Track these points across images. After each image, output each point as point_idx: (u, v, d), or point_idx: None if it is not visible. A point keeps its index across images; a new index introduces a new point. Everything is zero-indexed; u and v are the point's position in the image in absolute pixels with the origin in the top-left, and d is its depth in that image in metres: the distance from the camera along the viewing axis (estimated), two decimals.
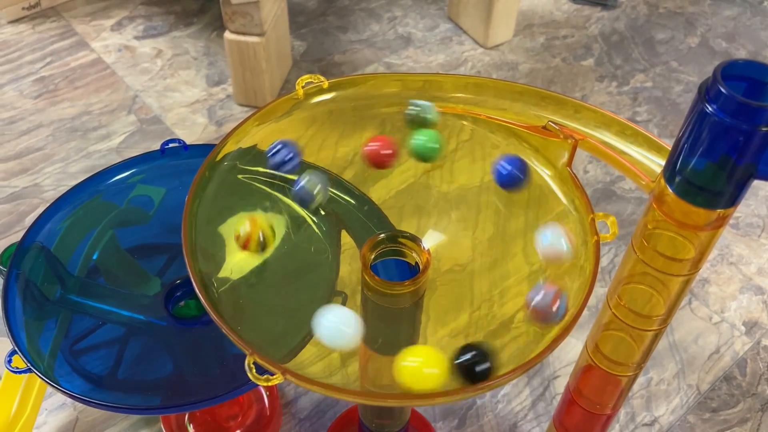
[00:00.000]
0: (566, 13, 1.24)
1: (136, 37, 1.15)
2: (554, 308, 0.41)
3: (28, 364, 0.52)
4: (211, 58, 1.12)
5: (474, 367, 0.39)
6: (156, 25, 1.17)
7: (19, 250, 0.60)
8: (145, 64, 1.10)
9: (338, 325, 0.39)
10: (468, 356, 0.39)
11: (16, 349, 0.52)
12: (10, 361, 0.51)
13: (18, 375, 0.64)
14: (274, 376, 0.37)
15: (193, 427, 0.70)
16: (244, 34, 0.95)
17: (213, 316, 0.39)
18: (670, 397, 0.76)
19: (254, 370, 0.37)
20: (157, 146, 0.68)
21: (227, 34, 0.96)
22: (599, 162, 0.99)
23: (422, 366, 0.39)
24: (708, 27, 1.23)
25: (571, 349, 0.79)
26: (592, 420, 0.58)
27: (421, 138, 0.50)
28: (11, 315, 0.56)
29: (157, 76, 1.08)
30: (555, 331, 0.42)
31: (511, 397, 0.75)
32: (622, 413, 0.75)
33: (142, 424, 0.72)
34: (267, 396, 0.72)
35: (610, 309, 0.49)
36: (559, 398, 0.75)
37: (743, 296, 0.85)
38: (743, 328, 0.82)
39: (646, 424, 0.74)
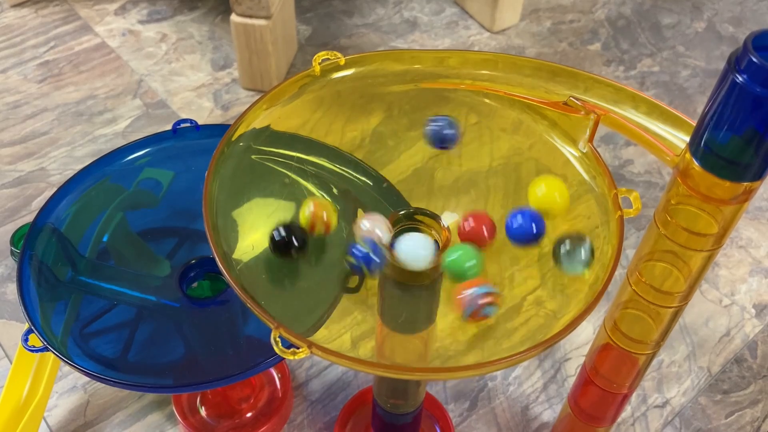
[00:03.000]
0: None
1: (140, 21, 1.14)
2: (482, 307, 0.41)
3: (44, 342, 0.51)
4: (215, 43, 1.11)
5: None
6: (160, 9, 1.16)
7: (32, 231, 0.60)
8: (150, 48, 1.09)
9: (415, 248, 0.41)
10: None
11: (32, 327, 0.52)
12: (26, 340, 0.51)
13: (29, 357, 0.64)
14: (300, 350, 0.37)
15: (205, 410, 0.70)
16: (250, 17, 0.94)
17: (238, 291, 0.39)
18: (682, 379, 0.76)
19: (280, 344, 0.37)
20: (162, 130, 0.67)
21: (234, 17, 0.95)
22: (608, 145, 0.99)
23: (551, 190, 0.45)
24: (715, 11, 1.22)
25: (582, 332, 0.79)
26: (607, 399, 0.58)
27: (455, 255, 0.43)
28: (26, 296, 0.55)
29: (162, 60, 1.08)
30: (572, 312, 0.42)
31: (522, 379, 0.75)
32: (634, 395, 0.75)
33: (153, 407, 0.72)
34: (279, 378, 0.72)
35: (631, 286, 0.49)
36: (570, 380, 0.75)
37: (753, 279, 0.85)
38: (753, 311, 0.82)
39: (657, 406, 0.74)
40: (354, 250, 0.42)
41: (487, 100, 0.52)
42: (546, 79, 0.51)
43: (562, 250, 0.43)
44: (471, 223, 0.45)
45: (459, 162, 0.54)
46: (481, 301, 0.41)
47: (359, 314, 0.47)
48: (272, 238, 0.45)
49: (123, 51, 1.09)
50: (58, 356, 0.51)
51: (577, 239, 0.44)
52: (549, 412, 0.73)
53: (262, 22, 0.95)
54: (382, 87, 0.54)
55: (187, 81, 1.05)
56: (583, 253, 0.43)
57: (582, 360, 0.77)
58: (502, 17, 1.14)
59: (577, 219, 0.48)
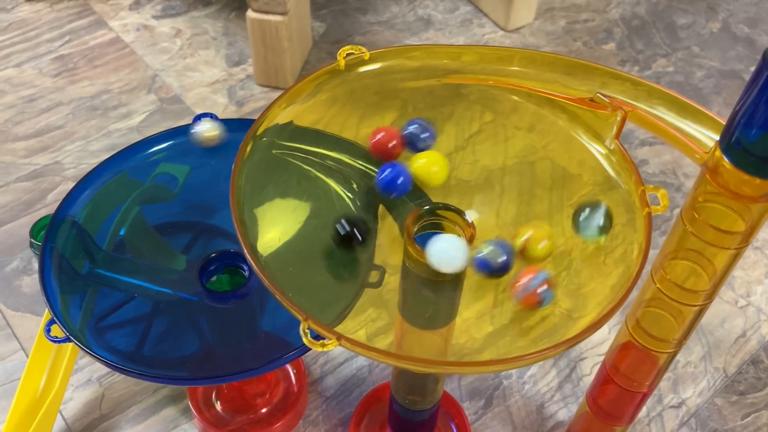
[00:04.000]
0: None
1: (155, 17, 1.14)
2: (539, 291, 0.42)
3: (66, 333, 0.51)
4: (230, 38, 1.11)
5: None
6: (174, 5, 1.16)
7: (53, 223, 0.60)
8: (164, 43, 1.10)
9: (448, 250, 0.42)
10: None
11: (54, 318, 0.52)
12: (48, 331, 0.51)
13: (46, 350, 0.64)
14: (329, 342, 0.37)
15: (220, 405, 0.70)
16: (267, 12, 0.94)
17: (267, 283, 0.39)
18: (697, 380, 0.76)
19: (309, 335, 0.37)
20: (177, 125, 0.67)
21: (250, 13, 0.95)
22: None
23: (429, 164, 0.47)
24: (730, 12, 1.22)
25: (598, 331, 0.79)
26: (626, 398, 0.58)
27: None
28: (48, 287, 0.55)
29: (176, 55, 1.08)
30: (596, 311, 0.42)
31: (537, 378, 0.75)
32: None
33: (168, 401, 0.72)
34: (294, 374, 0.72)
35: (655, 284, 0.48)
36: (585, 379, 0.75)
37: None
38: None
39: (673, 406, 0.74)
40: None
41: (513, 96, 0.51)
42: (563, 74, 0.51)
43: (581, 217, 0.45)
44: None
45: (473, 159, 0.53)
46: (540, 289, 0.41)
47: (374, 311, 0.47)
48: (337, 232, 0.46)
49: (137, 46, 1.09)
50: (79, 346, 0.52)
51: (595, 206, 0.45)
52: (564, 411, 0.73)
53: (278, 18, 0.95)
54: (397, 83, 0.54)
55: (202, 77, 1.05)
56: (601, 220, 0.44)
57: (597, 359, 0.77)
58: (516, 16, 1.14)
59: None
